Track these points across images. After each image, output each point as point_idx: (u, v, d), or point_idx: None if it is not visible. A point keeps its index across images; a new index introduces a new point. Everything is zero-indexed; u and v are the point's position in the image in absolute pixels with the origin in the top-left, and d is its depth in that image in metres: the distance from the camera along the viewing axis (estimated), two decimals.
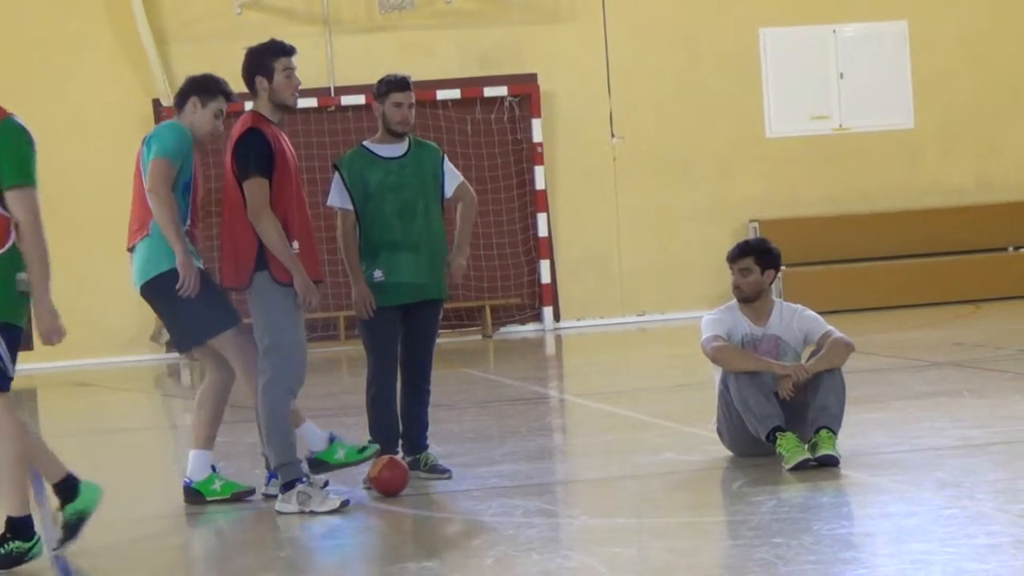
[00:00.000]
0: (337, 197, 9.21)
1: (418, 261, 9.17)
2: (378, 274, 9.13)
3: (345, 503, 8.40)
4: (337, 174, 9.23)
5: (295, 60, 8.71)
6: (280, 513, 8.39)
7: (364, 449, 8.90)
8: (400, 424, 9.28)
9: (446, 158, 9.43)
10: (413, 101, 9.29)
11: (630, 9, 21.09)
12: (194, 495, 8.97)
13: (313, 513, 8.30)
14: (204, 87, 9.16)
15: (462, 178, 9.48)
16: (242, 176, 8.42)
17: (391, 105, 9.23)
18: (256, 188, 8.38)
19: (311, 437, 8.84)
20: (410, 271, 9.15)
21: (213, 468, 9.08)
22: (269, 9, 20.44)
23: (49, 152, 21.83)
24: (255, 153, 8.42)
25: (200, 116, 9.10)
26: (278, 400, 8.46)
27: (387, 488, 8.74)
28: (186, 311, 8.76)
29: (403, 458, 9.28)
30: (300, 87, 8.76)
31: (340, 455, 8.86)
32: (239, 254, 8.48)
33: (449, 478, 9.19)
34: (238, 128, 8.53)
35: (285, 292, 8.45)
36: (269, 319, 8.45)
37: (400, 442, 9.30)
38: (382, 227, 9.14)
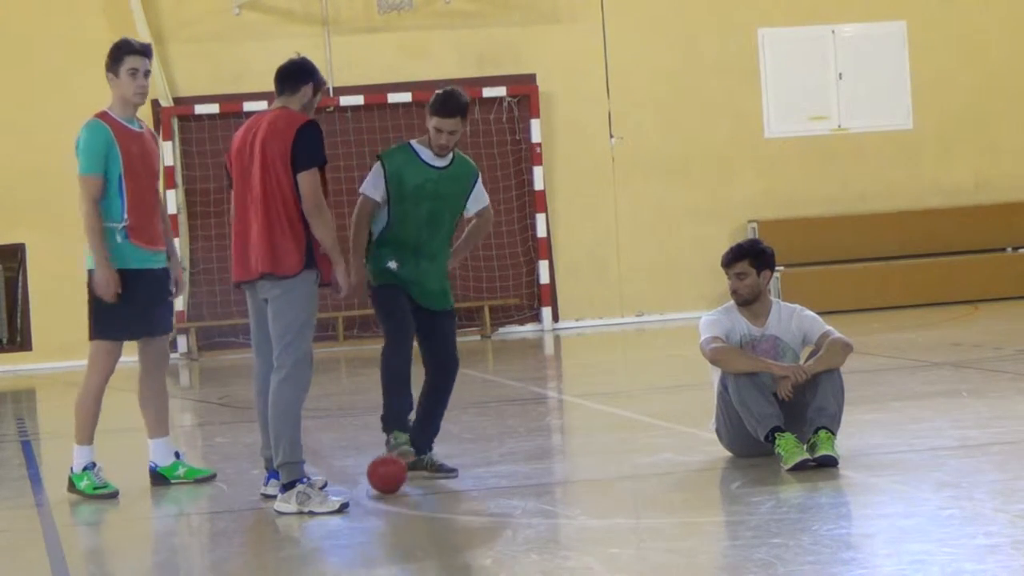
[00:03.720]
0: (371, 186, 9.17)
1: (434, 270, 9.21)
2: (393, 264, 9.14)
3: (344, 505, 8.40)
4: (379, 164, 9.19)
5: None
6: (279, 513, 8.39)
7: (202, 472, 9.58)
8: (413, 410, 9.27)
9: (479, 180, 9.45)
10: (456, 129, 9.09)
11: (629, 9, 21.11)
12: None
13: (312, 513, 8.30)
14: (110, 57, 9.40)
15: (487, 203, 9.53)
16: (305, 165, 8.37)
17: (433, 129, 9.17)
18: (315, 180, 8.40)
19: (159, 451, 9.54)
20: (428, 278, 9.19)
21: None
22: (267, 9, 20.44)
23: (49, 153, 21.93)
24: (319, 145, 8.44)
25: (119, 85, 9.35)
26: (291, 399, 8.47)
27: (388, 484, 8.73)
28: (92, 307, 9.28)
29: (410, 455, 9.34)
30: None
31: (180, 472, 9.54)
32: (286, 242, 8.42)
33: (455, 476, 9.19)
34: (291, 120, 8.46)
35: (319, 295, 8.53)
36: (298, 318, 8.46)
37: (411, 425, 9.30)
38: (410, 230, 9.14)
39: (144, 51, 9.37)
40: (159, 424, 9.59)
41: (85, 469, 9.24)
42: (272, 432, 8.54)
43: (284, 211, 8.44)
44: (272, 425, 8.53)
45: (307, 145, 8.41)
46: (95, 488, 9.22)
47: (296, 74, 8.65)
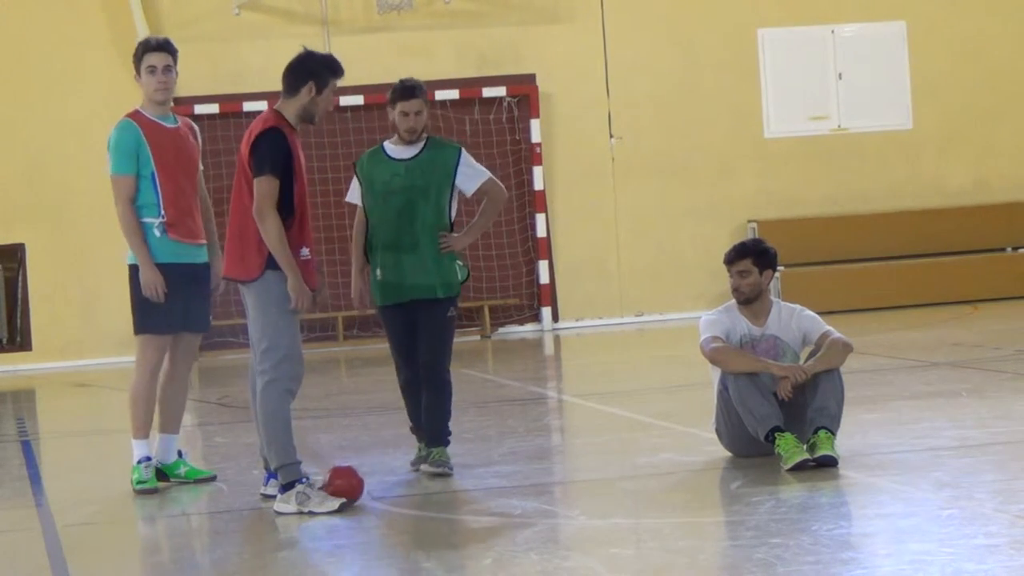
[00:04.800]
0: (352, 194, 9.44)
1: (417, 261, 9.23)
2: (378, 273, 9.25)
3: (344, 505, 8.40)
4: (355, 172, 9.38)
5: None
6: (279, 513, 8.40)
7: (203, 473, 9.69)
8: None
9: (464, 158, 9.42)
10: (421, 109, 9.30)
11: (628, 9, 21.10)
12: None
13: (312, 513, 8.31)
14: (134, 57, 9.57)
15: (488, 175, 9.53)
16: (256, 172, 8.38)
17: (399, 114, 9.32)
18: (267, 186, 8.36)
19: (165, 447, 9.65)
20: (410, 271, 9.23)
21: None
22: (267, 9, 20.44)
23: (48, 153, 21.86)
24: (273, 152, 8.39)
25: (142, 84, 9.51)
26: (278, 401, 8.46)
27: (347, 494, 8.64)
28: (135, 302, 9.40)
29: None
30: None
31: (181, 472, 9.65)
32: (250, 247, 8.44)
33: (447, 475, 9.20)
34: (258, 125, 8.48)
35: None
36: (270, 319, 8.45)
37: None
38: (385, 227, 9.27)
39: (161, 47, 9.51)
40: (172, 421, 9.67)
41: (139, 462, 9.41)
42: (263, 436, 8.55)
43: (250, 215, 8.45)
44: (262, 429, 8.54)
45: (260, 152, 8.40)
46: (137, 482, 9.39)
47: (291, 75, 8.57)
